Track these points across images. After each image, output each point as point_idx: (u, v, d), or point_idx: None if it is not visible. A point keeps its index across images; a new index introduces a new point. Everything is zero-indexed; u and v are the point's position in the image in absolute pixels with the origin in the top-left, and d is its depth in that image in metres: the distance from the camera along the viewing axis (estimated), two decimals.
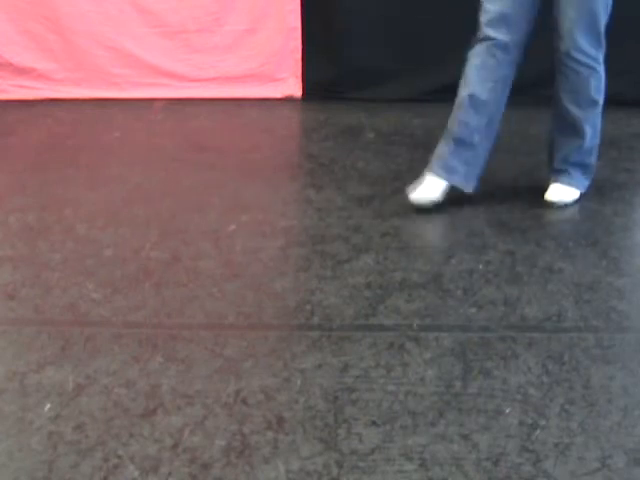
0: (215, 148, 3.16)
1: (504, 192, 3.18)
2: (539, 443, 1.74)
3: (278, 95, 4.53)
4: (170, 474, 1.64)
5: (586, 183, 3.07)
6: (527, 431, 1.78)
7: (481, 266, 2.55)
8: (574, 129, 2.97)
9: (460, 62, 4.54)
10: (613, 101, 4.39)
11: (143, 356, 2.05)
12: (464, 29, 4.78)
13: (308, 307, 2.30)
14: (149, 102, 4.24)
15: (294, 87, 4.56)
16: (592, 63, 2.87)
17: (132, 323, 2.22)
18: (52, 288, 2.40)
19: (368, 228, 2.82)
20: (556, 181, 3.04)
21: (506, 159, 3.60)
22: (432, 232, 2.79)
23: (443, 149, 2.96)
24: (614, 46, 4.35)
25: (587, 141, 2.98)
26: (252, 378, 1.96)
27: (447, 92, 4.53)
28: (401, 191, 3.18)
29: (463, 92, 2.93)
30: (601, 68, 2.91)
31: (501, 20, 2.84)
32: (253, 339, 2.14)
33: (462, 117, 2.92)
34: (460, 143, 2.92)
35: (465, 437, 1.76)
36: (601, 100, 2.97)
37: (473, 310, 2.29)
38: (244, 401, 1.87)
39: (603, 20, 2.85)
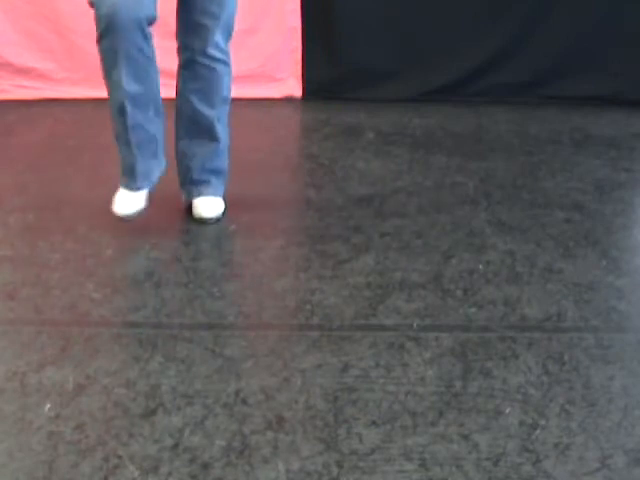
0: None
1: (504, 192, 3.19)
2: (539, 443, 1.74)
3: (278, 95, 4.53)
4: (170, 474, 1.64)
5: (223, 189, 2.92)
6: (527, 431, 1.78)
7: (481, 266, 2.55)
8: (209, 132, 2.83)
9: (460, 62, 4.56)
10: (613, 101, 4.42)
11: (143, 356, 2.05)
12: (464, 29, 4.79)
13: (308, 307, 2.30)
14: None
15: (294, 87, 4.56)
16: (226, 59, 2.74)
17: (132, 323, 2.22)
18: (52, 288, 2.40)
19: (368, 228, 2.82)
20: (200, 194, 2.87)
21: (506, 159, 3.61)
22: (432, 232, 2.79)
23: (130, 161, 2.69)
24: (614, 46, 4.38)
25: (222, 143, 2.86)
26: (252, 378, 1.96)
27: (447, 92, 4.57)
28: (401, 191, 3.19)
29: (117, 97, 2.61)
30: (230, 61, 2.78)
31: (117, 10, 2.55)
32: (253, 339, 2.14)
33: (131, 121, 2.64)
34: (142, 145, 2.70)
35: (465, 437, 1.76)
36: (230, 96, 2.84)
37: (473, 310, 2.29)
38: (244, 401, 1.87)
39: (235, 13, 2.72)
